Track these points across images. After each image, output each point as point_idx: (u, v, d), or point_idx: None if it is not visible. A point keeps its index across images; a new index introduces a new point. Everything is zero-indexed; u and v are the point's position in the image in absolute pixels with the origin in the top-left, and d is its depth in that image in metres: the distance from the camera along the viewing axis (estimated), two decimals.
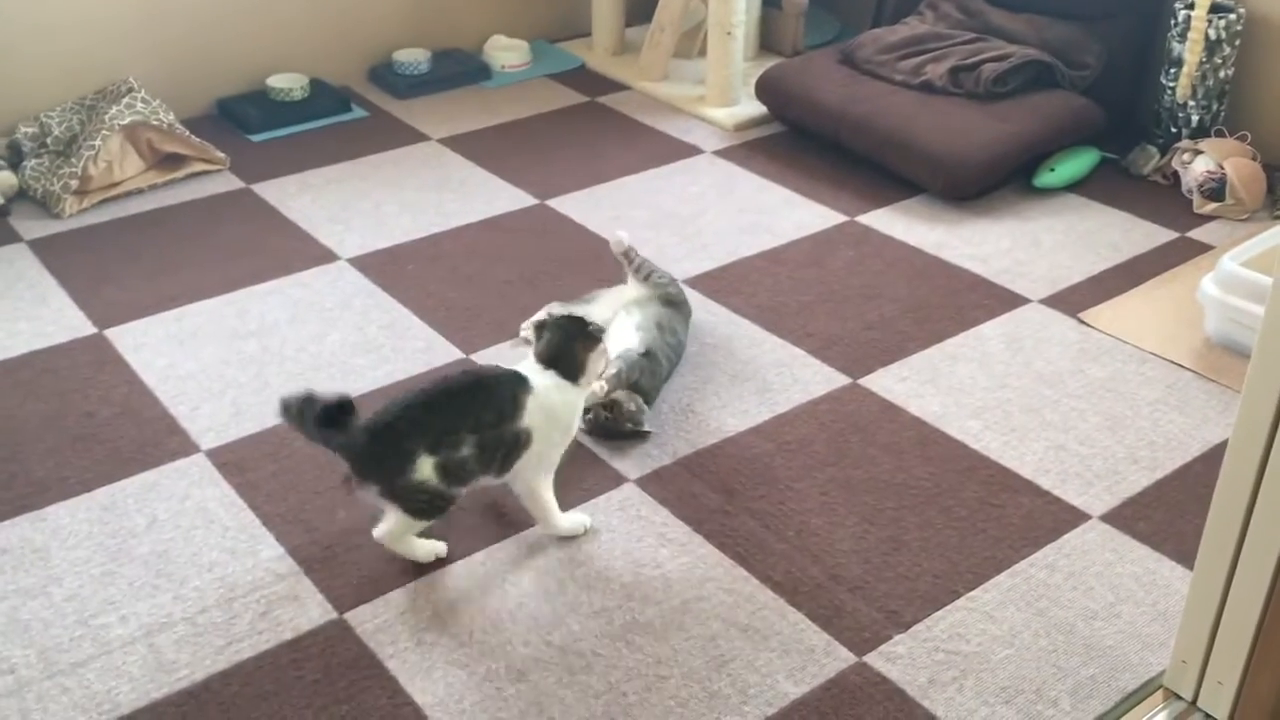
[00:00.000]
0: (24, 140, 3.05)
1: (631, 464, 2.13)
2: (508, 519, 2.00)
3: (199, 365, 2.39)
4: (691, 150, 3.33)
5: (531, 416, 1.84)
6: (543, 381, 1.87)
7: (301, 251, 2.80)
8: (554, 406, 1.87)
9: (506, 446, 1.83)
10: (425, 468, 1.77)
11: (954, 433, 2.21)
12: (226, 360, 2.41)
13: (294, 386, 2.31)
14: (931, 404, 2.29)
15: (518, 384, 1.85)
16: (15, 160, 3.03)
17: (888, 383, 2.36)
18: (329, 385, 2.33)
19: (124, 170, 3.00)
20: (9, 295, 2.61)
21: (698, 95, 3.58)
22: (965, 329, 2.52)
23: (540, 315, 2.38)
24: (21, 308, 2.57)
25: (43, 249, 2.80)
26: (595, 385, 2.05)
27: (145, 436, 2.19)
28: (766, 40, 3.82)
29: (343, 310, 2.58)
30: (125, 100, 3.05)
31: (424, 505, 1.82)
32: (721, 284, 2.69)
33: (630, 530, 1.99)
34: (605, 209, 3.01)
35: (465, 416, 1.79)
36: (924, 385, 2.35)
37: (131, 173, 3.02)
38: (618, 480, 2.10)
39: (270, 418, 2.23)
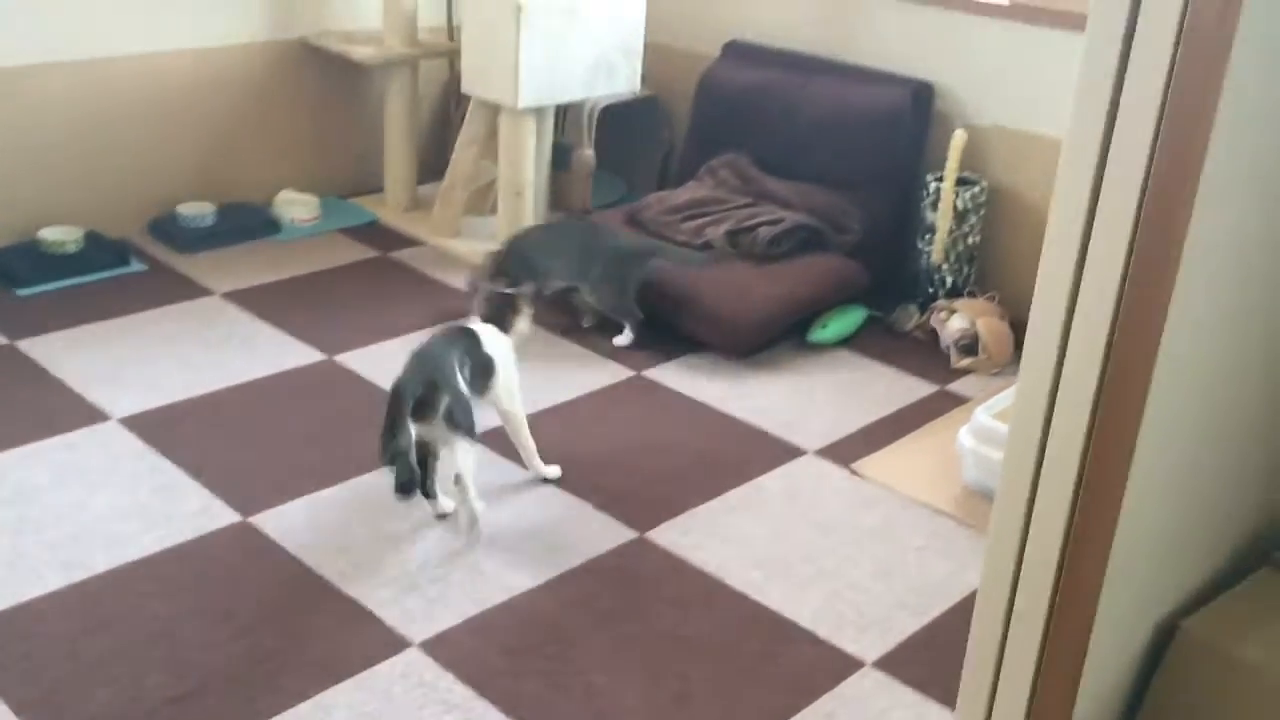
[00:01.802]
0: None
1: (416, 626, 2.09)
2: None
3: None
4: None
5: (489, 348, 2.44)
6: (487, 330, 2.49)
7: (69, 411, 2.68)
8: (498, 346, 2.48)
9: (484, 367, 2.42)
10: (463, 385, 2.32)
11: (736, 584, 2.27)
12: None
13: (53, 556, 2.19)
14: (714, 556, 2.35)
15: (473, 332, 2.47)
16: None
17: (673, 536, 2.40)
18: (92, 554, 2.21)
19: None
20: None
21: (489, 251, 3.65)
22: (746, 480, 2.61)
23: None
24: None
25: None
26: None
27: None
28: (556, 199, 3.94)
29: (111, 473, 2.47)
30: None
31: (472, 421, 2.31)
32: (508, 438, 2.70)
33: (411, 699, 1.94)
34: (394, 365, 2.98)
35: (458, 351, 2.38)
36: (707, 538, 2.40)
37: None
38: (400, 645, 2.05)
39: (28, 592, 2.09)
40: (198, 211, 3.61)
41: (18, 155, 3.32)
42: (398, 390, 2.26)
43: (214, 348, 3.01)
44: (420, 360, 2.34)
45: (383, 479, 2.50)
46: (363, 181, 4.08)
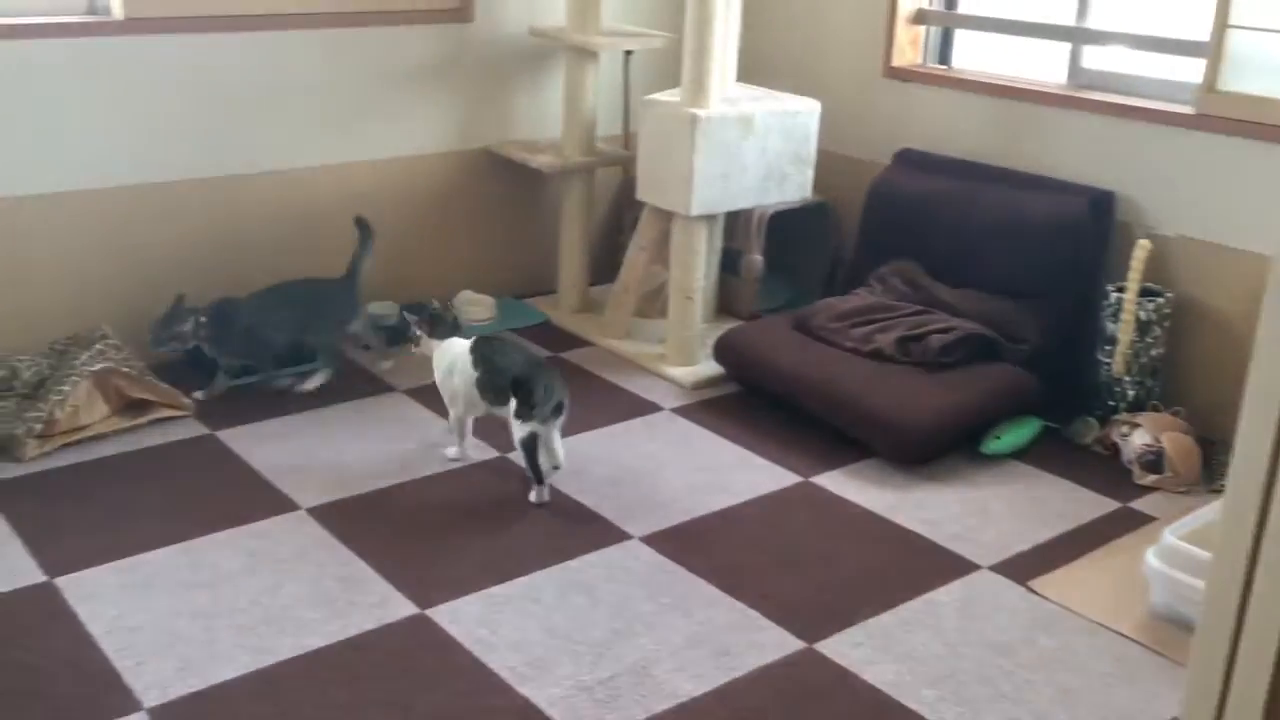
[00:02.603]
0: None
1: None
2: None
3: (149, 617, 2.36)
4: (651, 407, 3.42)
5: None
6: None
7: (261, 500, 2.81)
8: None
9: None
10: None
11: (909, 702, 2.21)
12: (176, 612, 2.38)
13: (243, 640, 2.29)
14: (886, 672, 2.29)
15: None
16: None
17: (843, 648, 2.36)
18: (279, 639, 2.30)
19: (90, 415, 3.03)
20: None
21: (658, 354, 3.72)
22: (918, 594, 2.55)
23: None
24: None
25: (0, 491, 2.79)
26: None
27: (86, 693, 2.13)
28: (724, 304, 4.00)
29: (299, 561, 2.57)
30: (97, 346, 3.12)
31: None
32: (679, 543, 2.72)
33: None
34: (567, 462, 3.06)
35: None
36: (879, 652, 2.36)
37: (97, 418, 3.05)
38: None
39: (219, 674, 2.19)
40: (384, 311, 3.79)
41: (225, 256, 3.55)
42: (542, 387, 2.80)
43: (395, 442, 3.13)
44: (530, 363, 2.89)
45: (554, 576, 2.55)
46: (537, 283, 4.22)
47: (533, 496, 2.86)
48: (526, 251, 4.21)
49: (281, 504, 2.80)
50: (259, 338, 3.32)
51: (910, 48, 3.92)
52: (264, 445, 3.06)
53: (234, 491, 2.84)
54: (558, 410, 2.86)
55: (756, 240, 3.92)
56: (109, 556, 2.55)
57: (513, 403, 2.82)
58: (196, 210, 3.48)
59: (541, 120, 4.08)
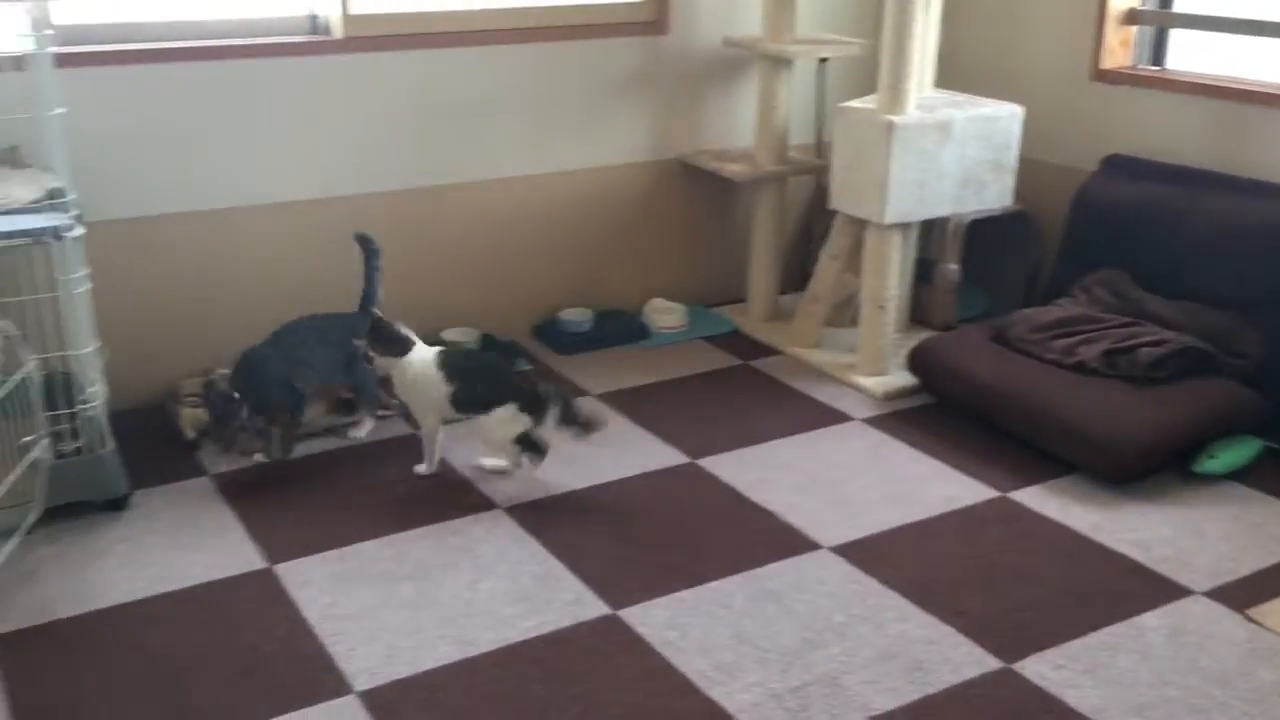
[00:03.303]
0: (220, 382, 3.30)
1: None
2: None
3: (359, 606, 2.48)
4: (841, 417, 3.39)
5: None
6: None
7: (460, 499, 2.92)
8: None
9: None
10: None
11: None
12: (383, 602, 2.49)
13: (445, 631, 2.38)
14: (1089, 696, 2.21)
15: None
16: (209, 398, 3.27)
17: (1042, 669, 2.29)
18: (480, 632, 2.38)
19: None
20: (191, 527, 2.77)
21: (848, 363, 3.68)
22: (1124, 618, 2.45)
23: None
24: (200, 539, 2.72)
25: (226, 483, 2.98)
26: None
27: (302, 674, 2.26)
28: (917, 313, 3.92)
29: (497, 559, 2.66)
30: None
31: None
32: (869, 554, 2.68)
33: None
34: (754, 470, 3.07)
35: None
36: (1081, 675, 2.27)
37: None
38: None
39: (424, 662, 2.28)
40: (577, 317, 3.88)
41: (427, 262, 3.70)
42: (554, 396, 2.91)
43: (589, 445, 3.18)
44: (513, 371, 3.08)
45: (743, 583, 2.56)
46: (726, 291, 4.24)
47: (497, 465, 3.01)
48: (717, 260, 4.23)
49: (480, 502, 2.90)
50: (295, 385, 3.04)
51: (1120, 49, 3.76)
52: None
53: (435, 488, 2.96)
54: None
55: (953, 249, 3.83)
56: (321, 547, 2.69)
57: (502, 409, 2.87)
58: (406, 219, 3.64)
59: (733, 129, 4.10)
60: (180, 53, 3.21)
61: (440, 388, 2.91)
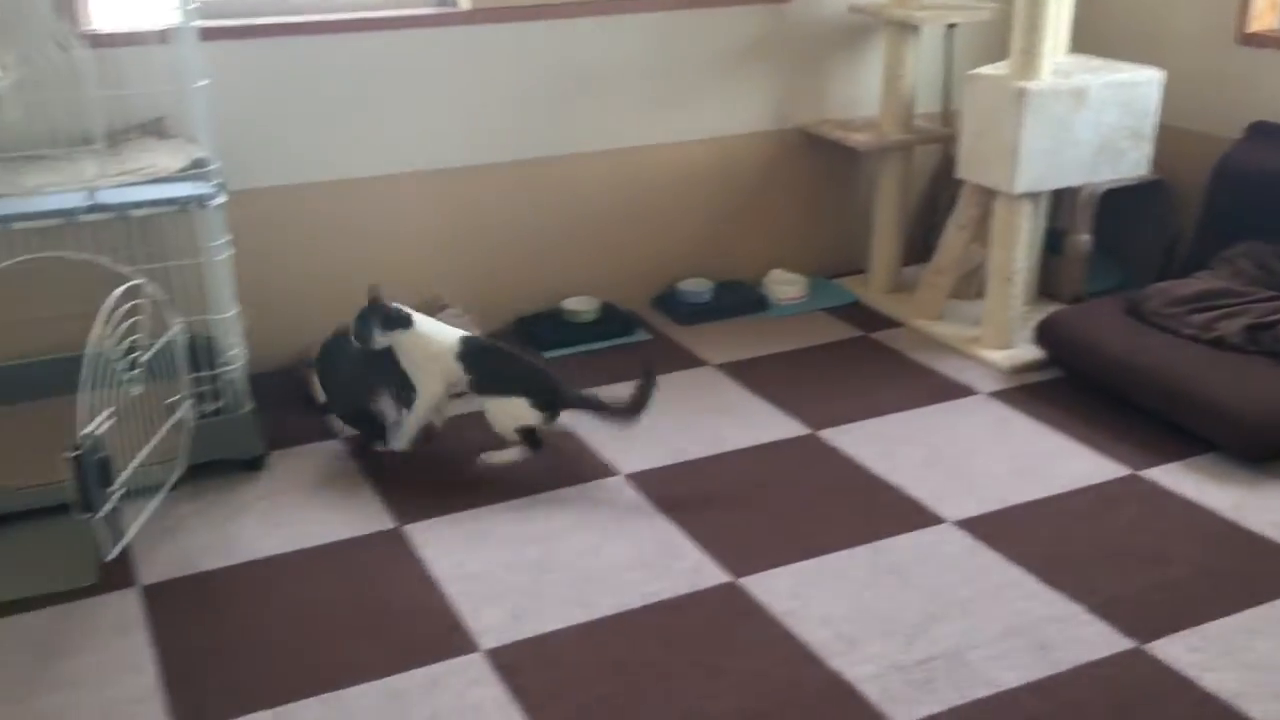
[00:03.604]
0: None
1: (898, 709, 2.09)
2: None
3: (484, 566, 2.53)
4: (964, 390, 3.33)
5: None
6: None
7: (584, 465, 2.96)
8: None
9: None
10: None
11: (1255, 714, 2.05)
12: (509, 564, 2.54)
13: (569, 594, 2.42)
14: (1228, 680, 2.14)
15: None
16: None
17: (1177, 651, 2.22)
18: (602, 597, 2.42)
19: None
20: (324, 487, 2.87)
21: (972, 336, 3.61)
22: (1266, 600, 2.36)
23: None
24: (333, 500, 2.81)
25: (356, 446, 3.06)
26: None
27: (431, 631, 2.32)
28: (1046, 285, 3.82)
29: (620, 525, 2.69)
30: (441, 314, 3.36)
31: None
32: (993, 529, 2.64)
33: None
34: (876, 443, 3.04)
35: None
36: (1219, 658, 2.20)
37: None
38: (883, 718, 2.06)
39: (547, 624, 2.32)
40: (697, 288, 3.88)
41: (550, 232, 3.74)
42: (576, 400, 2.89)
43: (709, 415, 3.20)
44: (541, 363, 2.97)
45: (865, 555, 2.54)
46: (848, 263, 4.19)
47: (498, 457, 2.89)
48: (838, 231, 4.19)
49: (603, 469, 2.93)
50: (360, 394, 2.99)
51: (1268, 11, 3.59)
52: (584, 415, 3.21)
53: (561, 453, 3.00)
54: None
55: (1084, 219, 3.72)
56: (449, 509, 2.75)
57: (515, 398, 2.83)
58: (531, 189, 3.68)
59: (857, 98, 4.04)
60: (316, 26, 3.30)
61: (460, 377, 2.87)
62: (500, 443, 2.89)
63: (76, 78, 2.61)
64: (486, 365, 2.88)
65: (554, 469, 2.93)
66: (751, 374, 3.45)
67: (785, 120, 3.98)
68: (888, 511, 2.73)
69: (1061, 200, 3.73)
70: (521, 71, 3.57)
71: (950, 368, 3.47)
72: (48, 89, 2.64)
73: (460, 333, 2.93)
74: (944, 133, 3.94)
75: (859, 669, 2.20)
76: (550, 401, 2.86)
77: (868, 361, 3.55)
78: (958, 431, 3.10)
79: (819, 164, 4.07)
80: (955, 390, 3.34)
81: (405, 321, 2.86)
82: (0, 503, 2.64)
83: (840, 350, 3.64)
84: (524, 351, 3.00)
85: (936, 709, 2.09)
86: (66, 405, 2.37)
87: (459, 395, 2.96)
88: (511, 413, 2.85)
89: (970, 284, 3.85)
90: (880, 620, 2.34)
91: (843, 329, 3.79)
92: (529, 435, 2.87)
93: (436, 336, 2.90)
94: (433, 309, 3.43)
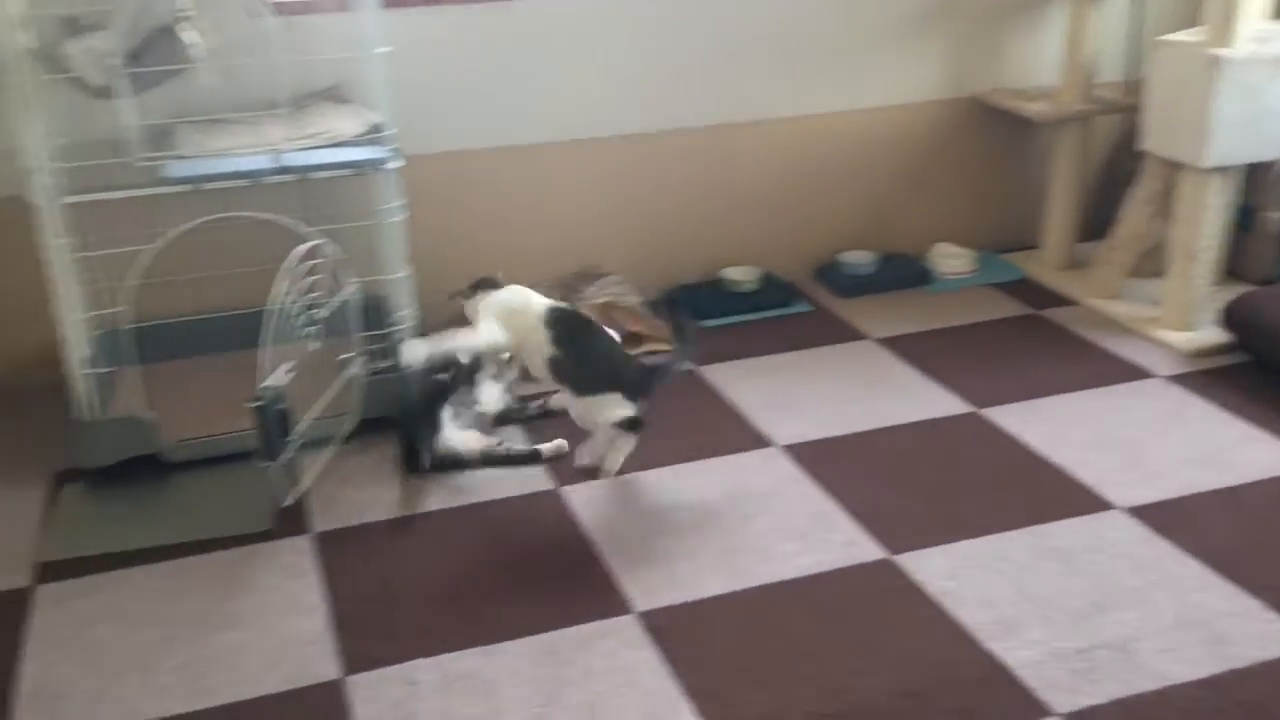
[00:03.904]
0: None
1: (1058, 698, 2.03)
2: None
3: (638, 530, 2.56)
4: (1140, 373, 3.19)
5: None
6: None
7: (739, 434, 2.95)
8: None
9: None
10: None
11: None
12: (663, 529, 2.56)
13: (721, 563, 2.42)
14: None
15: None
16: None
17: None
18: (754, 566, 2.42)
19: None
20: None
21: (1151, 317, 3.45)
22: None
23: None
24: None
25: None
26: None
27: (585, 591, 2.36)
28: (1233, 265, 3.62)
29: (773, 495, 2.68)
30: (600, 281, 3.41)
31: None
32: (1166, 518, 2.53)
33: None
34: (1042, 424, 2.94)
35: None
36: None
37: None
38: (1038, 713, 2.00)
39: (700, 590, 2.34)
40: (859, 260, 3.82)
41: (713, 200, 3.73)
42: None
43: (868, 389, 3.16)
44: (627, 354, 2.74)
45: (1027, 539, 2.47)
46: (1019, 237, 4.05)
47: (586, 459, 2.77)
48: (1010, 204, 4.05)
49: (758, 439, 2.92)
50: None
51: None
52: (742, 382, 3.20)
53: (715, 422, 3.00)
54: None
55: (1278, 196, 3.50)
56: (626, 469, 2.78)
57: (614, 394, 2.64)
58: (696, 157, 3.67)
59: (1036, 66, 3.89)
60: None
61: (543, 348, 2.71)
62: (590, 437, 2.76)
63: (264, 45, 2.72)
64: (576, 342, 2.69)
65: (709, 437, 2.93)
66: (913, 349, 3.38)
67: (959, 88, 3.86)
68: (1053, 495, 2.64)
69: (1254, 175, 3.52)
70: (689, 38, 3.56)
71: (1126, 349, 3.33)
72: (238, 56, 2.76)
73: (550, 302, 2.77)
74: (1127, 102, 3.76)
75: (1018, 654, 2.14)
76: (643, 391, 2.68)
77: (1037, 340, 3.44)
78: (1131, 415, 2.97)
79: (992, 134, 3.94)
80: (1130, 372, 3.20)
81: (494, 285, 2.80)
82: (186, 450, 2.80)
83: (1008, 327, 3.53)
84: (605, 334, 2.76)
85: (1099, 700, 2.02)
86: (249, 358, 2.49)
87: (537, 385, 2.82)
88: (607, 409, 2.67)
89: (1150, 262, 3.67)
90: (1042, 606, 2.27)
91: (1011, 305, 3.67)
92: (632, 423, 2.69)
93: (526, 300, 2.77)
94: (591, 276, 3.47)
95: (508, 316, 2.74)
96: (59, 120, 2.73)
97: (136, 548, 2.52)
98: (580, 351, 2.68)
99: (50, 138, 2.65)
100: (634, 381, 2.67)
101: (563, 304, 2.79)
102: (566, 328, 2.70)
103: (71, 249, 2.71)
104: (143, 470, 2.78)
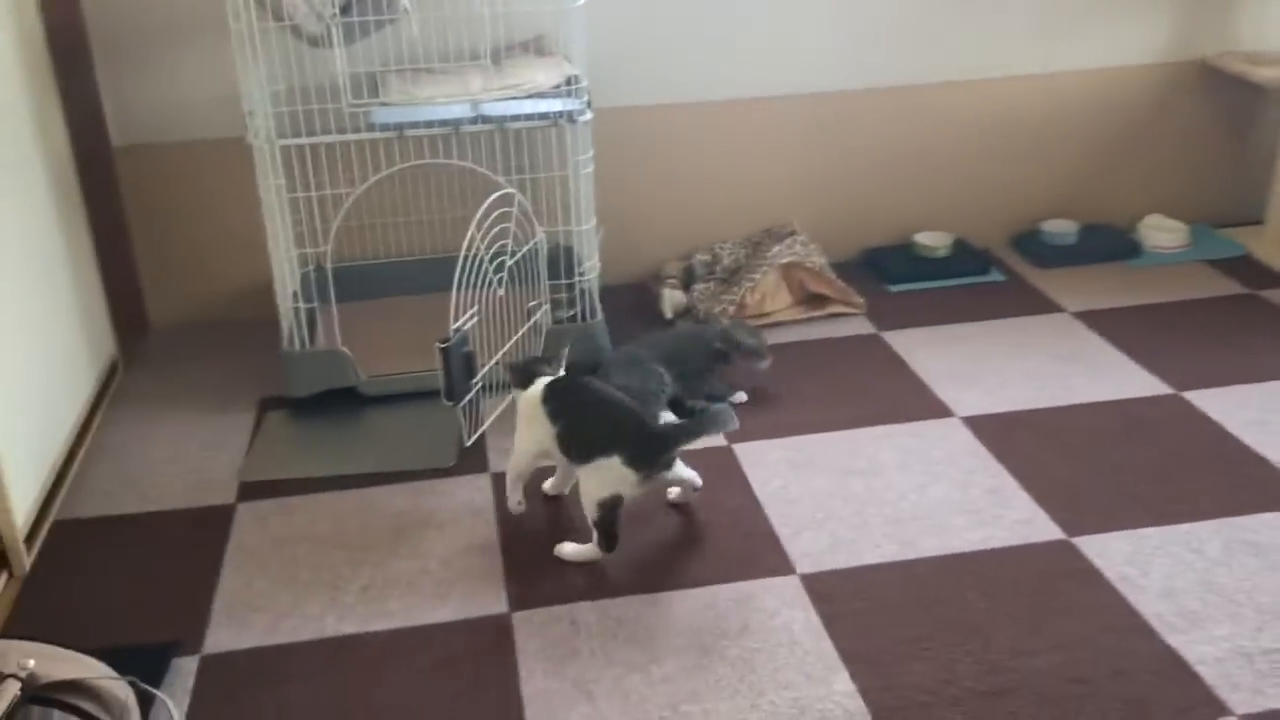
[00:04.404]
0: (698, 266, 3.48)
1: (1238, 696, 1.92)
2: None
3: (807, 492, 2.55)
4: None
5: None
6: None
7: (919, 402, 2.89)
8: None
9: None
10: None
11: None
12: (832, 493, 2.54)
13: (890, 531, 2.39)
14: None
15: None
16: (688, 282, 3.46)
17: None
18: (923, 537, 2.37)
19: (774, 303, 3.31)
20: None
21: None
22: None
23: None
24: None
25: None
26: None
27: (750, 549, 2.37)
28: None
29: (949, 466, 2.62)
30: (786, 241, 3.38)
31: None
32: None
33: None
34: (1251, 411, 2.77)
35: None
36: None
37: (780, 306, 3.32)
38: (1215, 710, 1.90)
39: (865, 557, 2.32)
40: (1061, 229, 3.66)
41: (908, 163, 3.64)
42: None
43: (1059, 363, 3.04)
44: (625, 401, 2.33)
45: (1221, 529, 2.34)
46: (1239, 212, 3.80)
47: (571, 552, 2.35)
48: (1231, 176, 3.80)
49: (938, 408, 2.86)
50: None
51: None
52: (926, 349, 3.13)
53: (895, 389, 2.95)
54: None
55: None
56: (779, 433, 2.78)
57: (614, 458, 2.25)
58: (892, 117, 3.58)
59: (1270, 29, 3.62)
60: None
61: (547, 428, 2.37)
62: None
63: None
64: (570, 406, 2.34)
65: (889, 402, 2.88)
66: (1113, 325, 3.23)
67: (1183, 51, 3.64)
68: (1254, 485, 2.49)
69: None
70: None
71: None
72: (443, 6, 2.85)
73: (548, 378, 2.42)
74: None
75: (1198, 649, 2.04)
76: (649, 455, 2.27)
77: (1252, 321, 3.23)
78: None
79: (1217, 100, 3.70)
80: None
81: (525, 383, 2.44)
82: (380, 385, 2.94)
83: (1220, 307, 3.33)
84: (613, 386, 2.43)
85: (1272, 704, 1.90)
86: (442, 302, 2.59)
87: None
88: (599, 479, 2.27)
89: None
90: (1229, 601, 2.15)
91: (1226, 284, 3.45)
92: (608, 517, 2.29)
93: (532, 390, 2.41)
94: (778, 235, 3.45)
95: (529, 415, 2.42)
96: (277, 67, 2.89)
97: (331, 474, 2.67)
98: (575, 415, 2.34)
99: (269, 83, 2.81)
100: (640, 443, 2.27)
101: (560, 375, 2.46)
102: (560, 397, 2.36)
103: (285, 190, 2.87)
104: (340, 402, 2.94)
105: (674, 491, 2.50)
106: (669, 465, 2.32)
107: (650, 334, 3.05)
